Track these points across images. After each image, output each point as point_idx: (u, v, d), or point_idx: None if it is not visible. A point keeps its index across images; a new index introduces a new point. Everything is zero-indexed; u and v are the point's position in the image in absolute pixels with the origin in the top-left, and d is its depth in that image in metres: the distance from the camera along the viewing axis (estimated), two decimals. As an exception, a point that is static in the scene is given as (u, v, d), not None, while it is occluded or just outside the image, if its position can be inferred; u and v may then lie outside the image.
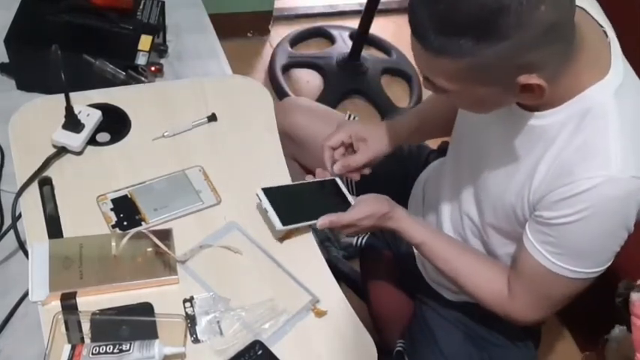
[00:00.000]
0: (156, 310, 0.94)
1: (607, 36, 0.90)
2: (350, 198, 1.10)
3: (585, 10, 0.91)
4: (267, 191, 1.03)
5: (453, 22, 0.76)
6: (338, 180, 1.13)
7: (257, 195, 1.03)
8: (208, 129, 1.20)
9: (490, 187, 1.02)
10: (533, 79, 0.80)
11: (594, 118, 0.86)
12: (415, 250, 1.26)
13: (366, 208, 1.04)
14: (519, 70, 0.79)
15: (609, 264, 0.93)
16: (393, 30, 2.65)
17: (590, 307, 1.35)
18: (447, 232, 1.17)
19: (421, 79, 0.93)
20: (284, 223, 1.01)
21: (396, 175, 1.37)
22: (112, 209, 1.05)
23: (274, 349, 0.93)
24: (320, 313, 0.99)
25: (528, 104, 0.91)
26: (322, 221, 1.02)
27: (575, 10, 0.81)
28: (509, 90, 0.83)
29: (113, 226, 1.03)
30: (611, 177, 0.84)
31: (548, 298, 0.99)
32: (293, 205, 1.05)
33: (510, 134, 0.96)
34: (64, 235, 1.01)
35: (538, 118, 0.91)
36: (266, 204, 1.01)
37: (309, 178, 1.11)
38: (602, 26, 0.92)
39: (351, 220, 1.04)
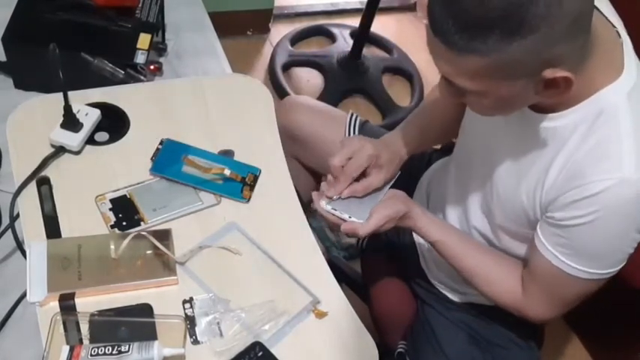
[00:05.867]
0: (155, 311, 0.93)
1: (620, 36, 0.89)
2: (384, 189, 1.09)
3: (598, 9, 0.88)
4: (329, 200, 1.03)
5: (479, 18, 0.74)
6: None
7: (321, 209, 1.02)
8: (208, 128, 1.19)
9: (500, 189, 1.01)
10: (558, 73, 0.78)
11: (607, 120, 0.85)
12: (419, 250, 1.26)
13: (385, 212, 1.01)
14: (545, 64, 0.77)
15: (623, 264, 0.93)
16: (394, 28, 2.64)
17: (595, 308, 1.34)
18: None
19: (438, 84, 0.90)
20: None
21: (398, 175, 1.35)
22: (110, 209, 1.04)
23: (274, 351, 0.93)
24: (321, 315, 0.99)
25: (548, 103, 0.89)
26: (345, 228, 1.01)
27: (594, 0, 0.79)
28: (533, 88, 0.81)
29: (112, 227, 1.02)
30: (623, 179, 0.83)
31: (562, 298, 0.99)
32: (354, 202, 1.05)
33: (521, 137, 0.95)
34: (63, 235, 1.00)
35: (550, 120, 0.90)
36: (344, 215, 1.01)
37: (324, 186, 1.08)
38: (614, 26, 0.90)
39: (373, 230, 1.01)
